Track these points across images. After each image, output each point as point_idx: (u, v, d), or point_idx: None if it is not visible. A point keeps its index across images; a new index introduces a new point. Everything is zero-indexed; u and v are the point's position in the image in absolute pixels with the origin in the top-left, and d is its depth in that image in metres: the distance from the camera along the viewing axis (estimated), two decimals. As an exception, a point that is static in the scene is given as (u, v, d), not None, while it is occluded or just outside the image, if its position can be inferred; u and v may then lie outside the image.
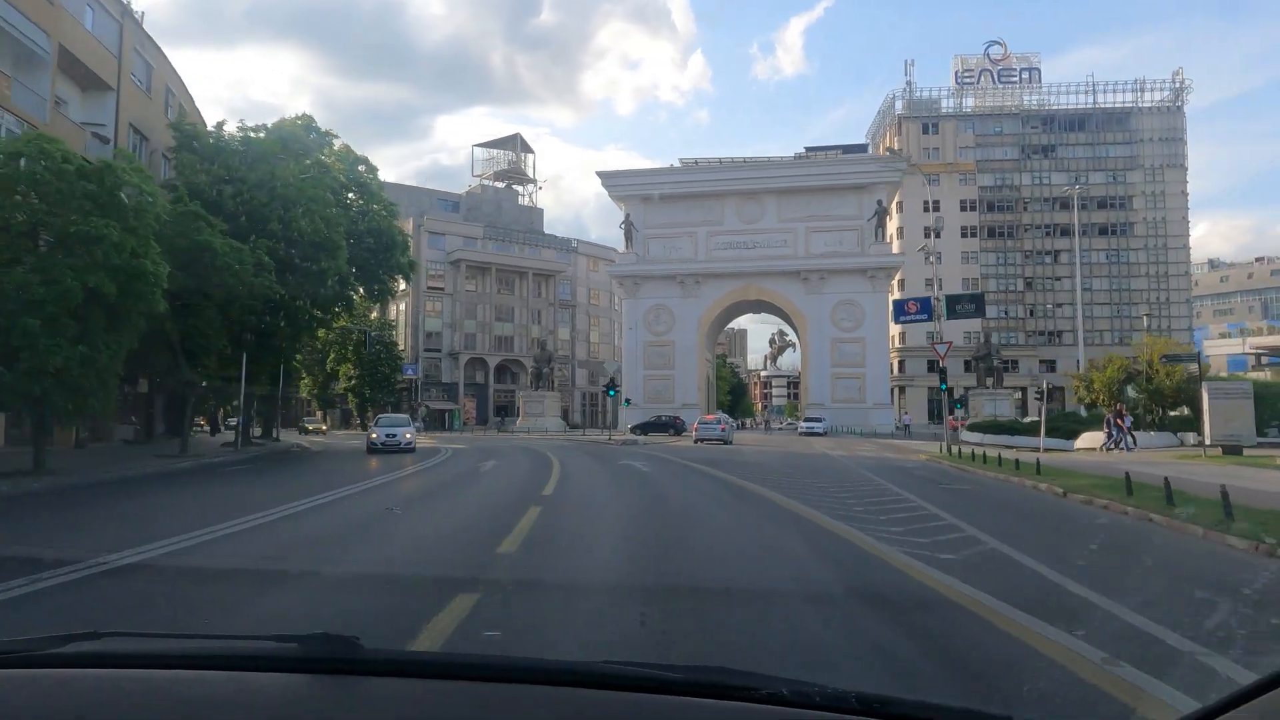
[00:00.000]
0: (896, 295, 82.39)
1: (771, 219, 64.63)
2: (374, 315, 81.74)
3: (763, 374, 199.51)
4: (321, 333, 75.93)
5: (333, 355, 79.21)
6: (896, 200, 74.83)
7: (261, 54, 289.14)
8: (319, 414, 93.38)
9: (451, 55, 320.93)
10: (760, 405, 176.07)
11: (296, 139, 34.14)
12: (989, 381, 61.26)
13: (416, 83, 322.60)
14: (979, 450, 26.62)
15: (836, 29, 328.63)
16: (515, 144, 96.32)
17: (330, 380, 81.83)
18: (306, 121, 38.93)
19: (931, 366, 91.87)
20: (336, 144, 40.81)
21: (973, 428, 48.14)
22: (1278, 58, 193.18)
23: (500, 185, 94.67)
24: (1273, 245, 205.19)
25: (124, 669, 1.29)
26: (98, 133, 29.04)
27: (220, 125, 32.58)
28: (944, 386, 27.02)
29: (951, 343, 26.73)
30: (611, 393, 40.52)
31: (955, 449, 26.75)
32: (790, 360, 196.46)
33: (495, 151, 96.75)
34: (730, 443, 37.93)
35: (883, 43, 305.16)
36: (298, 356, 60.57)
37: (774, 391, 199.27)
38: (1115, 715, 3.60)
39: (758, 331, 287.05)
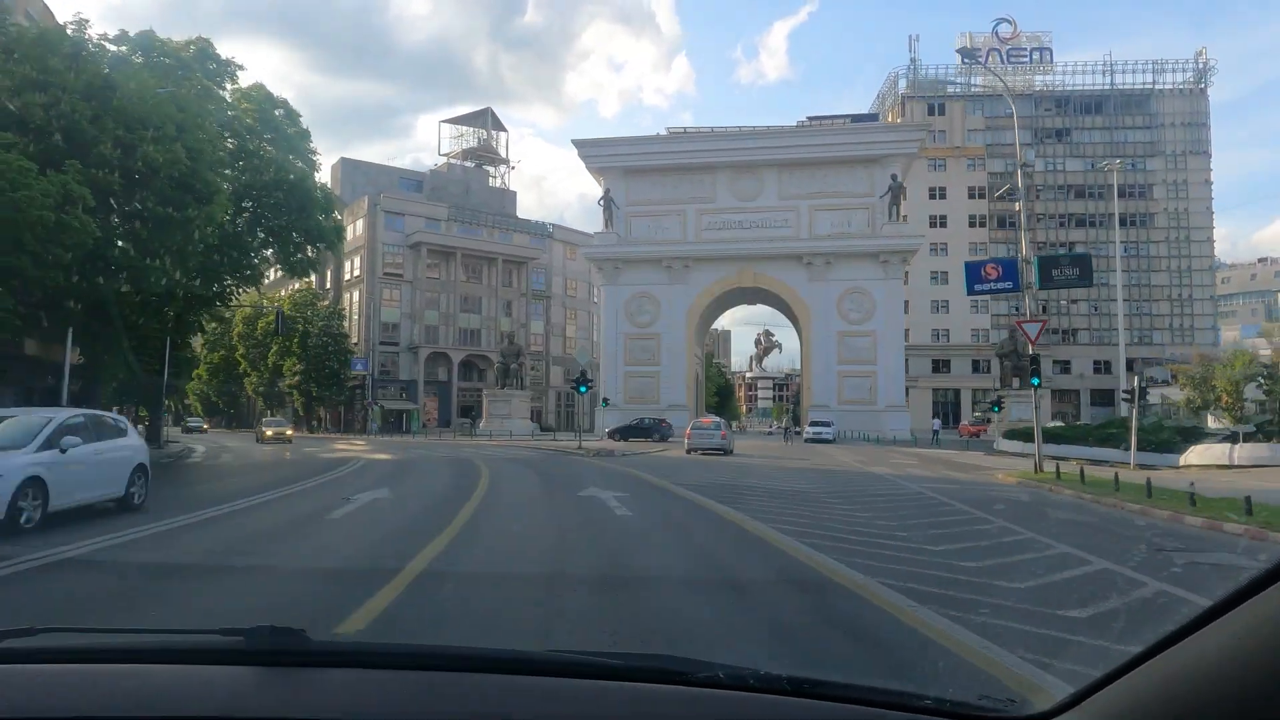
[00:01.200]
0: (922, 278, 75.39)
1: (770, 196, 56.94)
2: (324, 304, 73.44)
3: (748, 375, 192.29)
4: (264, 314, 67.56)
5: (275, 347, 70.80)
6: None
7: (242, 48, 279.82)
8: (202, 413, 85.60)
9: (435, 53, 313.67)
10: (745, 408, 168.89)
11: (163, 50, 26.00)
12: (1015, 382, 54.08)
13: (398, 81, 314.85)
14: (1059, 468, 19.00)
15: (820, 33, 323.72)
16: (486, 120, 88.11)
17: (277, 376, 73.39)
18: (202, 45, 30.79)
19: (937, 366, 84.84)
20: (244, 79, 32.68)
21: (1010, 435, 40.79)
22: (1245, 71, 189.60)
23: (469, 165, 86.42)
24: (1248, 252, 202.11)
25: (62, 664, 1.24)
26: None
27: (64, 28, 24.38)
28: (1036, 382, 19.40)
29: (1045, 321, 19.17)
30: (583, 389, 32.64)
31: (1057, 469, 19.08)
32: (776, 362, 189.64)
33: (464, 128, 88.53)
34: (731, 452, 30.21)
35: (867, 49, 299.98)
36: (231, 343, 51.02)
37: (759, 394, 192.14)
38: None
39: (741, 334, 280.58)
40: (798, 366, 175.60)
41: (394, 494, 13.57)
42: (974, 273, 20.83)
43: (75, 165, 18.52)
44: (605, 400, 52.07)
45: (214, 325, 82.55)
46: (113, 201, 20.61)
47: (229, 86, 32.47)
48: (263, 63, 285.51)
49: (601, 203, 58.34)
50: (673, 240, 57.38)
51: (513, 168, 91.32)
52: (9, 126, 19.76)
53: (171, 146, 21.48)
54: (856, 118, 60.91)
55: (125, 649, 1.36)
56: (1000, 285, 20.84)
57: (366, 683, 1.20)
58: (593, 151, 58.62)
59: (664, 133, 61.08)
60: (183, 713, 1.10)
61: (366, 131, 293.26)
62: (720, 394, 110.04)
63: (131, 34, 25.74)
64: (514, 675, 1.23)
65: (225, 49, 32.95)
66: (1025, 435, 38.46)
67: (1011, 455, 35.33)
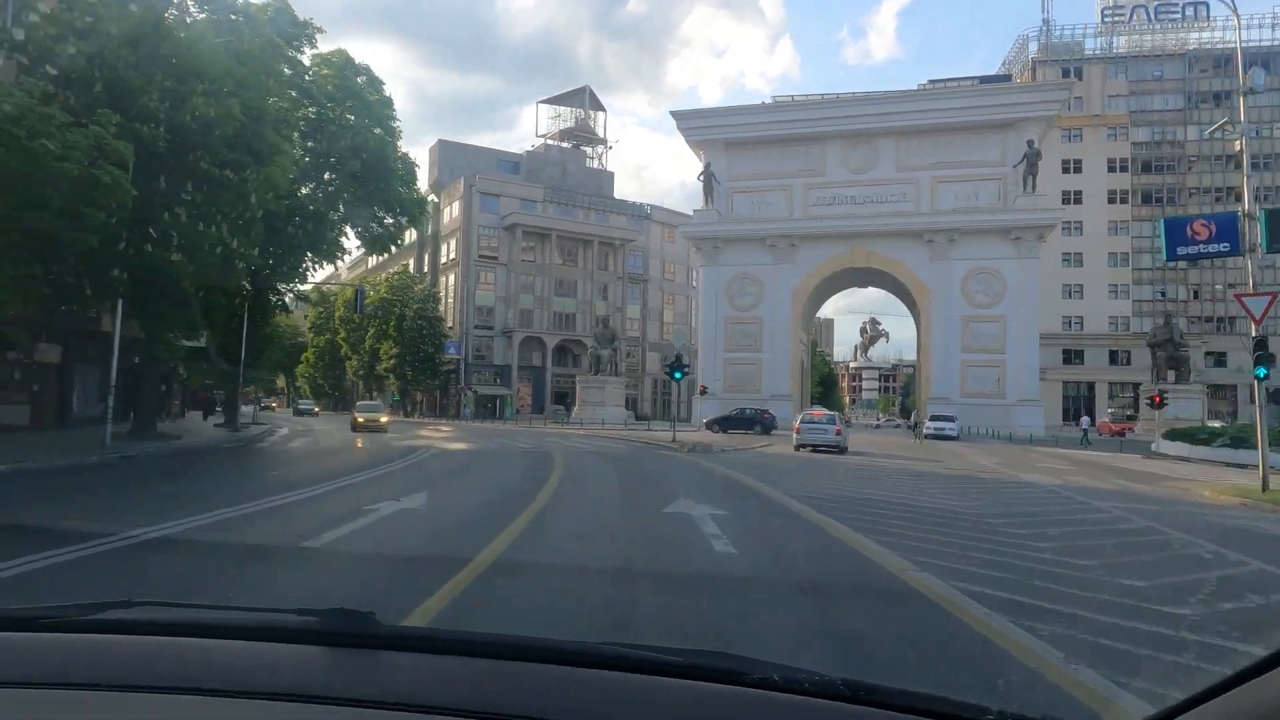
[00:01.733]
0: (1052, 260, 68.65)
1: (887, 167, 51.98)
2: (420, 287, 72.88)
3: (852, 365, 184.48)
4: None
5: (372, 331, 70.67)
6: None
7: (358, 48, 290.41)
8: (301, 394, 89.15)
9: (539, 46, 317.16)
10: (849, 400, 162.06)
11: (233, 7, 24.11)
12: (1171, 375, 47.55)
13: (504, 74, 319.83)
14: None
15: (931, 10, 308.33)
16: (583, 99, 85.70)
17: (374, 360, 73.38)
18: (279, 6, 29.07)
19: (1069, 356, 77.28)
20: (321, 44, 30.84)
21: (1172, 435, 35.03)
22: None
23: (566, 145, 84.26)
24: None
25: (154, 636, 1.33)
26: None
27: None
28: (1261, 373, 14.78)
29: (1276, 295, 14.62)
30: (678, 375, 29.40)
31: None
32: (881, 352, 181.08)
33: (561, 108, 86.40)
34: (845, 450, 26.37)
35: (981, 22, 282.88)
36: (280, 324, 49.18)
37: (864, 385, 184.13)
38: None
39: (844, 322, 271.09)
40: (904, 356, 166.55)
41: (429, 503, 10.69)
42: (1176, 232, 16.35)
43: (109, 115, 16.53)
44: (703, 389, 48.74)
45: (318, 309, 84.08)
46: (160, 160, 18.65)
47: (308, 51, 30.72)
48: (377, 60, 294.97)
49: (701, 178, 54.76)
50: (778, 217, 53.27)
51: (610, 147, 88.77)
52: (51, 78, 18.18)
53: (227, 101, 19.43)
54: (986, 79, 54.99)
55: (211, 624, 1.39)
56: (1212, 248, 16.28)
57: (431, 667, 1.23)
58: (692, 123, 55.07)
59: (769, 102, 56.79)
60: (262, 688, 1.13)
61: (473, 124, 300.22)
62: (823, 384, 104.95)
63: (197, -13, 23.90)
64: (574, 667, 1.23)
65: (343, 48, 31.42)
66: (1191, 436, 32.90)
67: (1174, 459, 30.15)
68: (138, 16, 18.78)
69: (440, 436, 31.80)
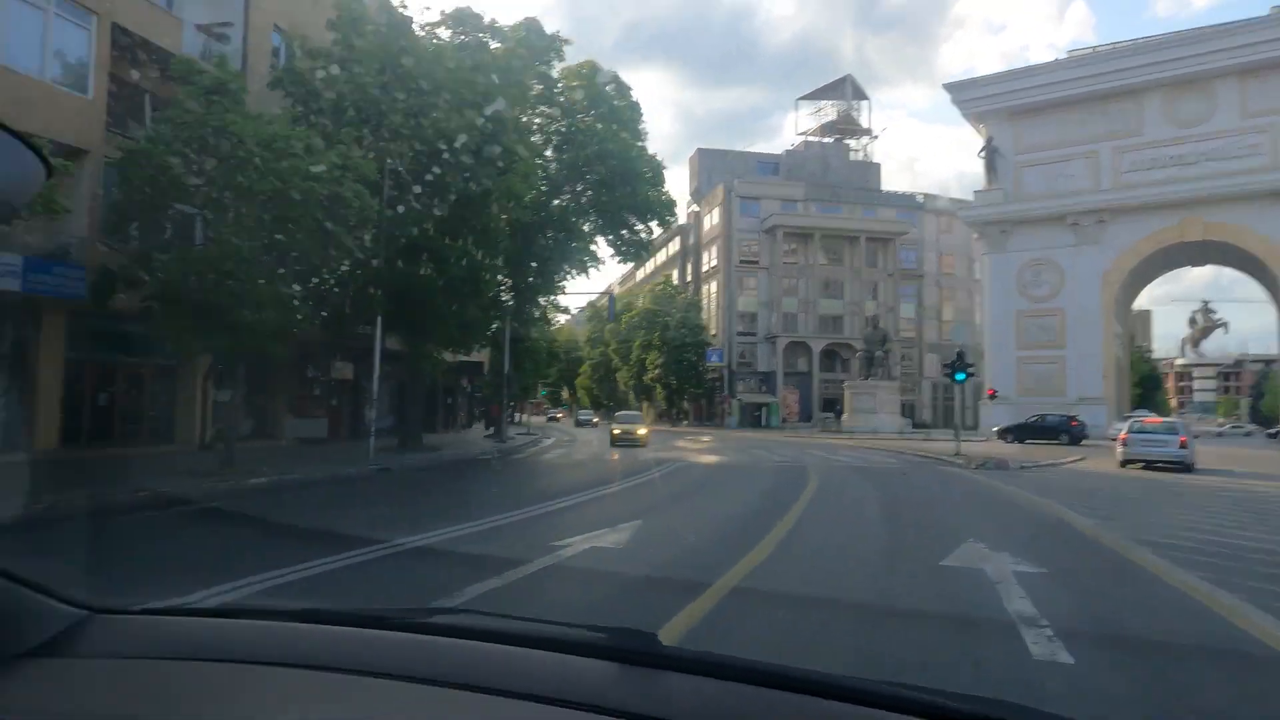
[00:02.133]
0: None
1: (1227, 116, 42.28)
2: (681, 296, 73.05)
3: (1179, 362, 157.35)
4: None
5: (639, 342, 71.94)
6: None
7: (629, 77, 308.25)
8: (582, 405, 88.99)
9: (799, 50, 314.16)
10: (1175, 402, 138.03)
11: (479, 26, 24.51)
12: None
13: (766, 84, 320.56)
14: None
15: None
16: (845, 89, 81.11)
17: (641, 370, 74.86)
18: (530, 23, 29.61)
19: None
20: (570, 56, 31.03)
21: None
22: None
23: (827, 140, 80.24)
24: None
25: (477, 641, 1.46)
26: (220, 33, 21.86)
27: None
28: None
29: None
30: (960, 377, 25.08)
31: None
32: (1219, 345, 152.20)
33: (823, 103, 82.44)
34: (1192, 467, 20.61)
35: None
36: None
37: (1194, 385, 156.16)
38: None
39: (1164, 314, 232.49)
40: (1250, 350, 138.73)
41: (637, 536, 8.67)
42: None
43: (350, 133, 16.88)
44: (991, 392, 42.70)
45: (592, 324, 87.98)
46: (404, 176, 18.96)
47: (557, 65, 31.01)
48: (645, 87, 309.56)
49: (982, 155, 48.51)
50: (1079, 190, 45.54)
51: (875, 137, 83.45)
52: (320, 109, 19.19)
53: (466, 114, 19.38)
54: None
55: (520, 634, 1.50)
56: None
57: (708, 690, 1.26)
58: (970, 94, 49.02)
59: (1063, 58, 49.00)
60: (565, 696, 1.22)
61: (737, 138, 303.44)
62: (1143, 385, 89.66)
63: (448, 10, 24.66)
64: (851, 704, 1.18)
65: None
66: None
67: None
68: (389, 38, 19.29)
69: (694, 448, 30.30)
